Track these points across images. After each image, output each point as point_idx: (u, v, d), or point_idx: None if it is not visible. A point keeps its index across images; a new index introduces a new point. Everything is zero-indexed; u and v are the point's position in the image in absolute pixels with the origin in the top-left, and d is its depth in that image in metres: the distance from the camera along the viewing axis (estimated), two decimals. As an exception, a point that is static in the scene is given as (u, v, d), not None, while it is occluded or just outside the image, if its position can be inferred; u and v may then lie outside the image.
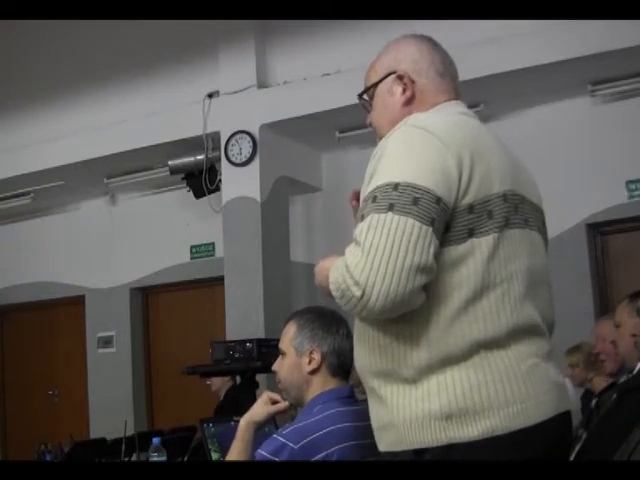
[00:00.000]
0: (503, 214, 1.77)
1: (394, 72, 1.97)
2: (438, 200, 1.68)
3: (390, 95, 1.97)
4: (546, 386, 1.75)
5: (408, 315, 1.71)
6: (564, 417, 1.80)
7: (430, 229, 1.66)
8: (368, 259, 1.64)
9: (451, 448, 1.68)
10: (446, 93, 1.96)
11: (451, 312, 1.71)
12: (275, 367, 2.52)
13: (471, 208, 1.73)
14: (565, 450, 1.82)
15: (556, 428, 1.76)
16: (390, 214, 1.66)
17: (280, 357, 2.50)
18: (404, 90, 1.95)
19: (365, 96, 2.04)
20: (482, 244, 1.73)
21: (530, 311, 1.79)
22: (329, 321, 2.47)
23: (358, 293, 1.65)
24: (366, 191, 1.76)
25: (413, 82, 1.95)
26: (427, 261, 1.65)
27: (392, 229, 1.64)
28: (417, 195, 1.67)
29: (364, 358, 1.82)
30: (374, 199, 1.70)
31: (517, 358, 1.73)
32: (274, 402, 2.52)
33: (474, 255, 1.73)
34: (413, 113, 1.90)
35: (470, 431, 1.68)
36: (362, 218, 1.70)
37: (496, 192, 1.77)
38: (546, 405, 1.74)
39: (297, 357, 2.44)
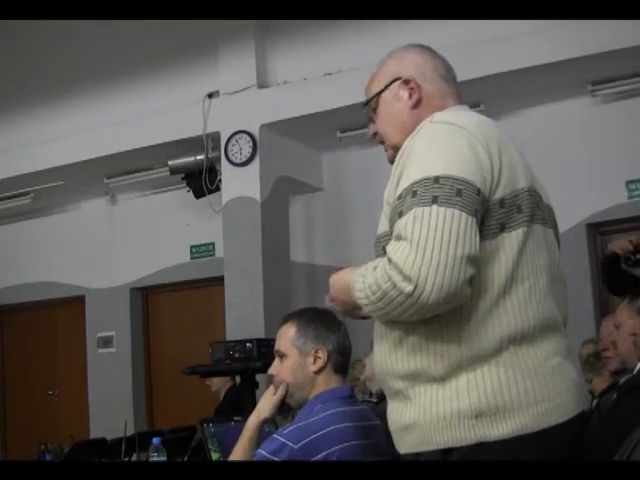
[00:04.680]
0: (530, 209, 1.78)
1: (399, 78, 1.97)
2: (478, 192, 1.69)
3: (396, 101, 1.97)
4: (569, 384, 1.77)
5: (440, 313, 1.69)
6: (582, 416, 1.81)
7: (474, 220, 1.66)
8: (419, 252, 1.62)
9: (480, 447, 1.68)
10: (451, 96, 1.97)
11: (484, 307, 1.71)
12: (272, 370, 2.49)
13: (502, 202, 1.74)
14: (581, 449, 1.81)
15: (575, 427, 1.76)
16: (435, 206, 1.64)
17: (278, 360, 2.48)
18: (410, 95, 1.95)
19: (367, 107, 2.03)
20: (512, 237, 1.74)
21: (552, 307, 1.80)
22: (329, 320, 2.47)
23: (409, 288, 1.62)
24: (397, 190, 1.74)
25: (419, 86, 1.95)
26: (476, 251, 1.65)
27: (440, 221, 1.63)
28: (460, 187, 1.66)
29: (389, 361, 1.80)
30: (414, 194, 1.68)
31: (544, 356, 1.74)
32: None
33: (505, 249, 1.73)
34: (422, 117, 1.90)
35: (500, 429, 1.67)
36: (400, 215, 1.69)
37: (522, 187, 1.78)
38: (569, 404, 1.75)
39: (301, 357, 2.42)
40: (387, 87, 1.99)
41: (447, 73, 1.99)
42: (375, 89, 2.01)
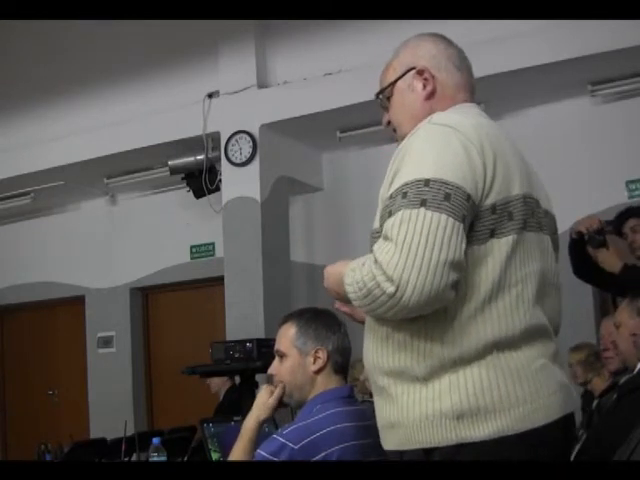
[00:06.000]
0: (522, 216, 1.78)
1: (413, 68, 1.97)
2: (468, 197, 1.68)
3: (410, 91, 1.97)
4: (554, 387, 1.76)
5: (426, 314, 1.70)
6: (569, 418, 1.80)
7: (461, 225, 1.66)
8: (402, 254, 1.63)
9: (460, 447, 1.68)
10: (464, 89, 1.97)
11: (468, 312, 1.71)
12: (272, 370, 2.49)
13: (494, 209, 1.73)
14: (568, 451, 1.82)
15: (562, 429, 1.76)
16: (422, 209, 1.65)
17: (277, 360, 2.48)
18: (424, 85, 1.95)
19: (381, 96, 2.04)
20: (501, 245, 1.74)
21: (539, 314, 1.80)
22: (330, 320, 2.47)
23: (391, 289, 1.63)
24: (390, 189, 1.74)
25: (433, 77, 1.95)
26: (460, 257, 1.65)
27: (426, 224, 1.63)
28: (449, 191, 1.66)
29: (376, 357, 1.81)
30: (404, 195, 1.68)
31: (528, 359, 1.74)
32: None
33: (493, 255, 1.73)
34: (434, 108, 1.91)
35: (480, 431, 1.68)
36: (390, 214, 1.69)
37: (516, 194, 1.77)
38: (554, 406, 1.74)
39: (301, 357, 2.42)
40: (402, 76, 1.98)
41: (461, 63, 2.00)
42: (390, 78, 2.01)
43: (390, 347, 1.77)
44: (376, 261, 1.66)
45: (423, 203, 1.65)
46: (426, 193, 1.66)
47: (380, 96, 2.04)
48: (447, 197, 1.65)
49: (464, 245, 1.67)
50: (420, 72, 1.96)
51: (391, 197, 1.72)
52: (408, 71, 1.97)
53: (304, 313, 2.50)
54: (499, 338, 1.71)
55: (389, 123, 2.04)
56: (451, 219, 1.64)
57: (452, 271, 1.64)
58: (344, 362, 2.47)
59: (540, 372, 1.74)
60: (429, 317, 1.71)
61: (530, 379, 1.72)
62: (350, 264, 1.77)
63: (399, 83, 1.99)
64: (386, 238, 1.68)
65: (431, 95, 1.95)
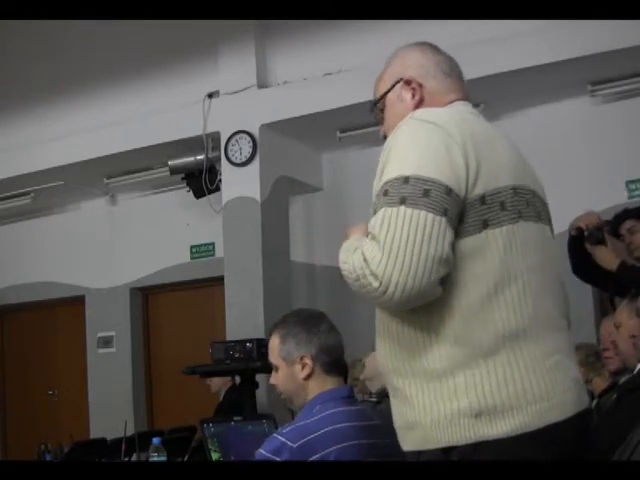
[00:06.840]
0: (516, 206, 1.78)
1: (401, 79, 1.99)
2: (449, 191, 1.69)
3: (400, 102, 1.99)
4: (569, 384, 1.76)
5: (430, 307, 1.71)
6: (585, 415, 1.80)
7: (443, 219, 1.67)
8: (384, 252, 1.65)
9: (479, 446, 1.68)
10: (455, 92, 1.98)
11: (474, 303, 1.71)
12: (272, 381, 2.53)
13: (483, 199, 1.74)
14: (583, 448, 1.81)
15: (577, 426, 1.76)
16: (402, 207, 1.67)
17: (274, 371, 2.50)
18: (413, 95, 1.97)
19: (375, 109, 2.06)
20: (497, 235, 1.74)
21: (549, 305, 1.80)
22: (309, 322, 2.47)
23: (375, 284, 1.66)
24: (377, 186, 1.77)
25: (421, 86, 1.97)
26: (443, 252, 1.66)
27: (406, 222, 1.66)
28: (427, 187, 1.68)
29: (388, 356, 1.82)
30: (385, 193, 1.71)
31: (542, 354, 1.73)
32: None
33: (490, 246, 1.74)
34: None
35: (499, 428, 1.68)
36: (375, 212, 1.72)
37: (505, 185, 1.78)
38: (569, 403, 1.74)
39: (289, 367, 2.44)
40: (391, 89, 2.01)
41: (451, 70, 2.00)
42: (381, 90, 2.04)
43: (400, 343, 1.78)
44: (364, 255, 1.69)
45: (403, 201, 1.68)
46: (405, 190, 1.68)
47: (374, 109, 2.06)
48: (426, 193, 1.67)
49: (448, 239, 1.68)
50: (407, 82, 1.98)
51: (377, 195, 1.75)
52: (397, 82, 1.99)
53: (285, 320, 2.51)
54: (510, 330, 1.71)
55: (385, 135, 2.04)
56: (431, 215, 1.66)
57: (435, 267, 1.65)
58: (333, 360, 2.45)
59: (555, 368, 1.74)
60: (436, 310, 1.72)
61: (545, 375, 1.72)
62: (349, 240, 1.81)
63: (389, 95, 2.01)
64: (371, 236, 1.71)
65: (420, 104, 1.96)
